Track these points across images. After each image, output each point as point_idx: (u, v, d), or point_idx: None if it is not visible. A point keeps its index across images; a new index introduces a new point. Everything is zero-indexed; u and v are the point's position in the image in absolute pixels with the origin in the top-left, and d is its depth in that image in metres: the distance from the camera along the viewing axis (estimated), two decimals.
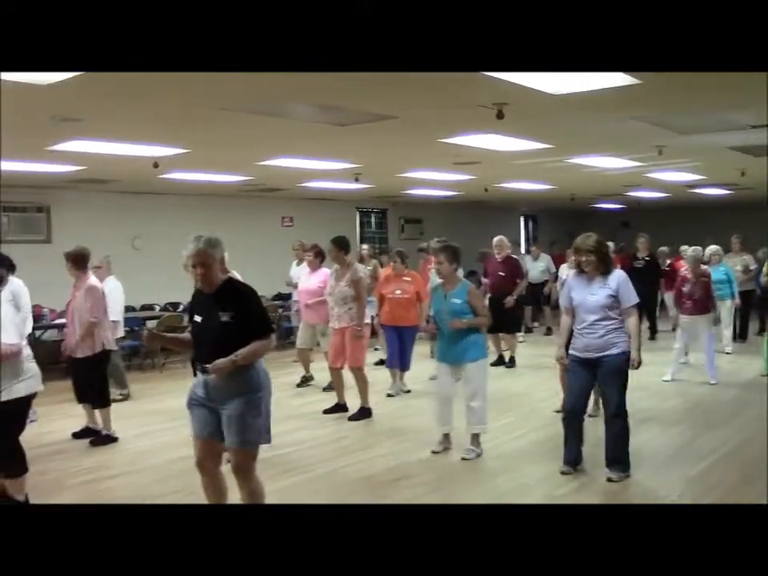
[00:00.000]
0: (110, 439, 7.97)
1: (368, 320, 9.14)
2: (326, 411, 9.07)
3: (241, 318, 4.72)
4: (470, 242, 15.11)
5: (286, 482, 6.54)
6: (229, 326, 4.70)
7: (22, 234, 13.11)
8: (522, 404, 9.37)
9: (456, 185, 15.06)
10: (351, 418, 8.77)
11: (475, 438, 7.17)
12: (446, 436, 7.36)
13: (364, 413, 8.84)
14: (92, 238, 11.96)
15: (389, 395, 9.92)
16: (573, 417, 6.53)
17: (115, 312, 9.71)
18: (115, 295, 9.84)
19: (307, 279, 10.55)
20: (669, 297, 15.12)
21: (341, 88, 6.24)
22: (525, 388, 10.42)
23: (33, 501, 5.85)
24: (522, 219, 25.35)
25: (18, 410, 5.69)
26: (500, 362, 11.95)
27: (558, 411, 8.36)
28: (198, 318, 4.91)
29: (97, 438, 7.98)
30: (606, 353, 6.25)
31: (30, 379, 5.72)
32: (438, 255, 7.29)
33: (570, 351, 6.54)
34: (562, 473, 6.48)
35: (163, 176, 11.59)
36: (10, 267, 8.64)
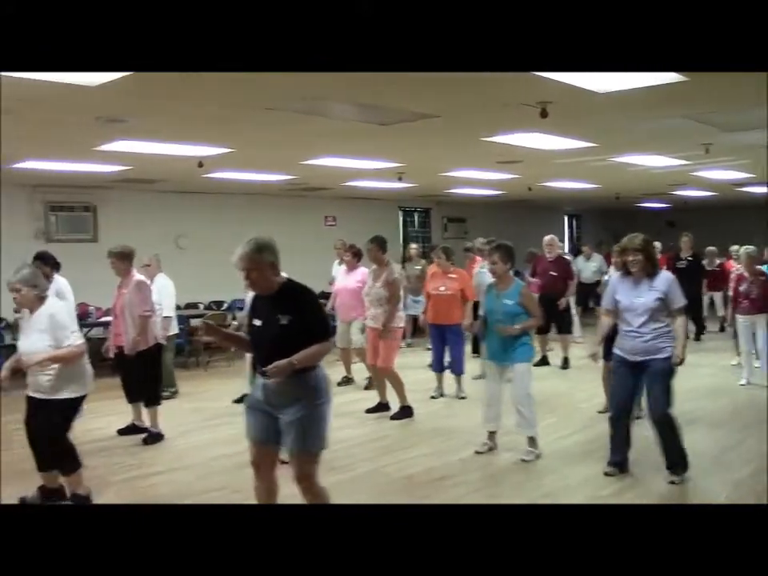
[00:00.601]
0: (160, 437, 8.04)
1: (402, 323, 9.10)
2: (369, 410, 9.05)
3: (300, 321, 4.62)
4: (513, 242, 15.05)
5: (327, 481, 6.54)
6: (287, 329, 4.61)
7: (70, 233, 13.27)
8: (564, 404, 9.30)
9: (499, 184, 14.99)
10: (393, 417, 8.75)
11: (531, 440, 7.11)
12: (492, 435, 7.31)
13: (405, 411, 8.81)
14: (137, 237, 12.07)
15: (432, 397, 9.82)
16: (619, 419, 6.44)
17: (168, 308, 9.86)
18: (166, 291, 9.94)
19: (344, 278, 10.59)
20: (717, 297, 15.03)
21: (385, 88, 6.23)
22: (567, 388, 10.34)
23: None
24: (565, 219, 25.17)
25: (73, 409, 5.79)
26: (543, 362, 11.80)
27: (600, 412, 8.31)
28: (257, 322, 4.83)
29: (148, 436, 8.04)
30: (652, 357, 6.15)
31: (84, 379, 5.83)
32: (491, 255, 7.19)
33: (616, 351, 6.44)
34: (606, 474, 6.43)
35: (207, 175, 11.66)
36: (55, 266, 8.77)
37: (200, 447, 7.75)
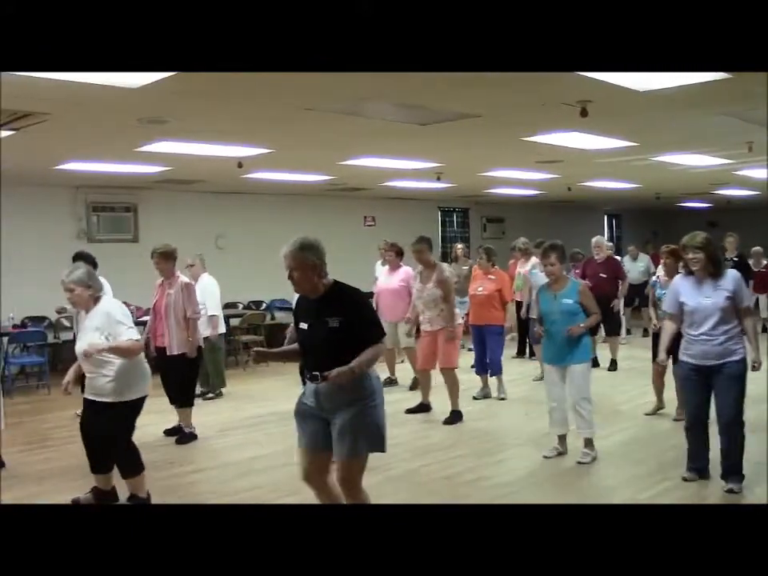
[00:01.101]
0: (194, 437, 8.07)
1: (460, 320, 8.98)
2: (409, 411, 8.99)
3: (351, 323, 4.49)
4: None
5: (366, 482, 6.56)
6: (338, 331, 4.47)
7: (111, 233, 13.40)
8: (605, 405, 9.19)
9: (538, 183, 14.94)
10: (446, 422, 8.54)
11: (588, 441, 7.00)
12: (562, 439, 7.18)
13: (456, 416, 8.64)
14: (177, 237, 12.16)
15: (474, 398, 9.70)
16: (695, 427, 6.19)
17: (213, 307, 9.92)
18: (211, 291, 9.97)
19: (387, 278, 10.53)
20: (762, 299, 14.82)
21: (426, 88, 6.23)
22: (609, 389, 10.26)
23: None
24: (605, 218, 24.99)
25: (135, 411, 5.77)
26: (593, 364, 11.65)
27: (648, 414, 8.32)
28: (303, 325, 4.69)
29: (182, 436, 8.07)
30: (725, 360, 5.87)
31: (145, 380, 5.84)
32: (548, 255, 6.94)
33: (684, 358, 6.12)
34: (685, 479, 6.20)
35: (247, 176, 11.72)
36: (93, 266, 8.81)
37: (239, 446, 7.79)
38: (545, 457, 7.07)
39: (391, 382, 10.70)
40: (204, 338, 9.43)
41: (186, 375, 8.07)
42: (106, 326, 5.57)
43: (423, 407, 9.02)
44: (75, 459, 7.04)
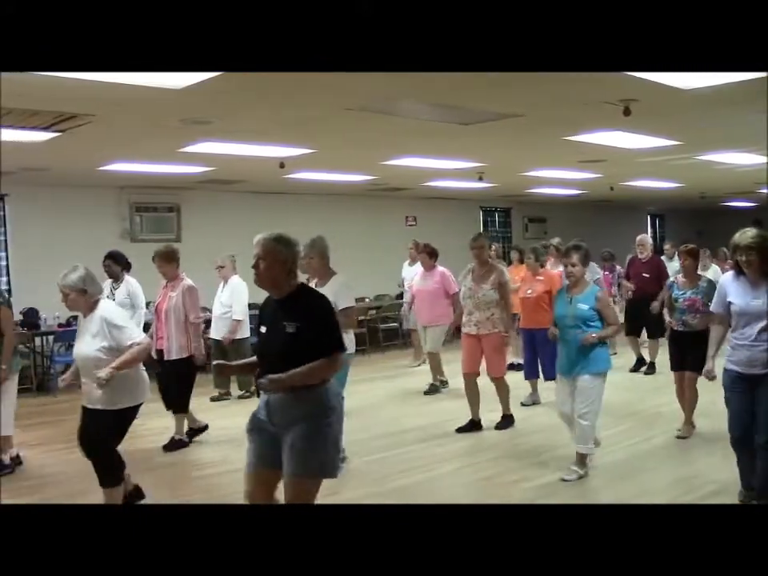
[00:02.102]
0: (182, 444, 7.77)
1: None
2: (460, 429, 8.19)
3: (308, 330, 4.11)
4: (594, 242, 14.87)
5: (407, 482, 6.57)
6: (294, 338, 4.10)
7: (154, 233, 13.49)
8: (640, 409, 9.12)
9: (581, 183, 14.86)
10: (497, 427, 8.20)
11: (581, 457, 6.50)
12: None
13: (508, 421, 8.30)
14: (218, 237, 12.29)
15: (522, 404, 9.32)
16: (743, 444, 5.50)
17: (239, 312, 9.80)
18: (239, 294, 9.83)
19: (423, 280, 10.31)
20: None
21: (468, 88, 6.22)
22: (645, 393, 10.15)
23: (160, 492, 6.05)
24: (648, 218, 24.79)
25: (126, 420, 5.50)
26: (639, 366, 11.51)
27: (680, 437, 7.66)
28: (262, 329, 4.38)
29: (170, 443, 7.77)
30: None
31: (140, 388, 5.52)
32: (570, 255, 6.49)
33: (728, 366, 5.51)
34: (741, 501, 5.62)
35: (289, 176, 11.78)
36: (126, 266, 8.87)
37: None
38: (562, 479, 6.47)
39: (435, 388, 10.46)
40: (227, 341, 9.48)
41: (183, 381, 7.75)
42: (103, 331, 5.32)
43: (474, 425, 8.26)
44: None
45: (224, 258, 9.96)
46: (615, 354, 12.94)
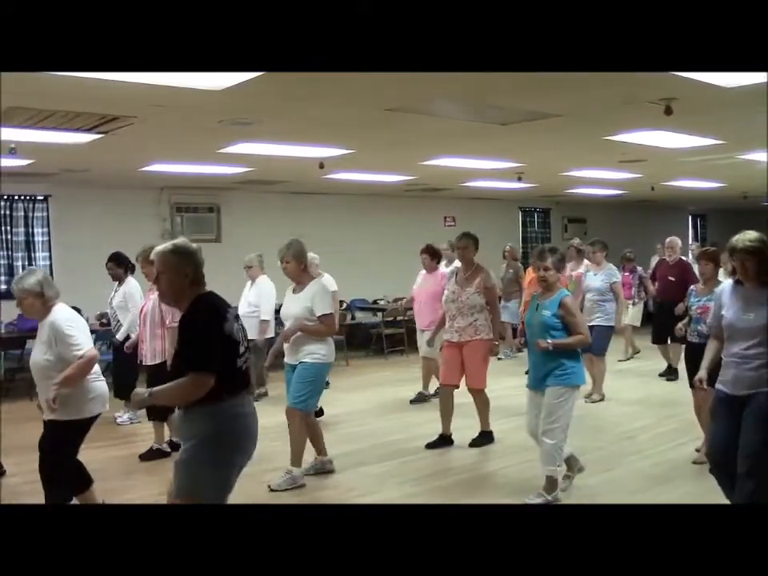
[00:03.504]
0: (162, 454, 7.49)
1: (488, 334, 7.61)
2: (429, 446, 7.69)
3: (179, 342, 3.96)
4: (635, 243, 14.78)
5: (446, 482, 6.58)
6: (175, 354, 4.01)
7: (194, 233, 13.56)
8: (683, 412, 9.00)
9: (621, 183, 14.74)
10: (472, 444, 7.68)
11: (548, 480, 5.94)
12: (565, 478, 6.26)
13: (485, 437, 7.78)
14: (258, 237, 12.36)
15: None
16: (722, 470, 4.98)
17: (266, 312, 9.75)
18: (266, 294, 9.80)
19: (423, 281, 9.92)
20: None
21: (507, 88, 6.20)
22: (685, 395, 10.01)
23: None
24: (689, 218, 24.54)
25: (80, 430, 5.27)
26: (669, 372, 11.35)
27: (696, 462, 7.03)
28: None
29: (148, 452, 7.58)
30: (756, 390, 4.72)
31: (87, 401, 5.26)
32: (545, 259, 5.97)
33: (717, 385, 4.99)
34: None
35: (328, 176, 11.81)
36: (129, 268, 8.85)
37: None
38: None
39: (424, 397, 10.04)
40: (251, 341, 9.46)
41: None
42: (49, 341, 5.10)
43: (444, 440, 7.76)
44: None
45: (251, 258, 9.94)
46: (632, 358, 12.90)
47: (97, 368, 5.37)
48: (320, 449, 6.87)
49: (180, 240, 4.16)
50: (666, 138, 9.02)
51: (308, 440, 6.70)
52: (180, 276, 4.00)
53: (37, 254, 12.36)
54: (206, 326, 3.91)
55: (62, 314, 5.20)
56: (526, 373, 6.37)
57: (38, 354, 5.17)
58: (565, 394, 5.81)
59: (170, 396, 3.98)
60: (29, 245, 12.29)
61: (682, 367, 10.78)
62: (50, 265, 12.32)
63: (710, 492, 5.54)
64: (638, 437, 7.81)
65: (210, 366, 3.83)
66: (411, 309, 10.84)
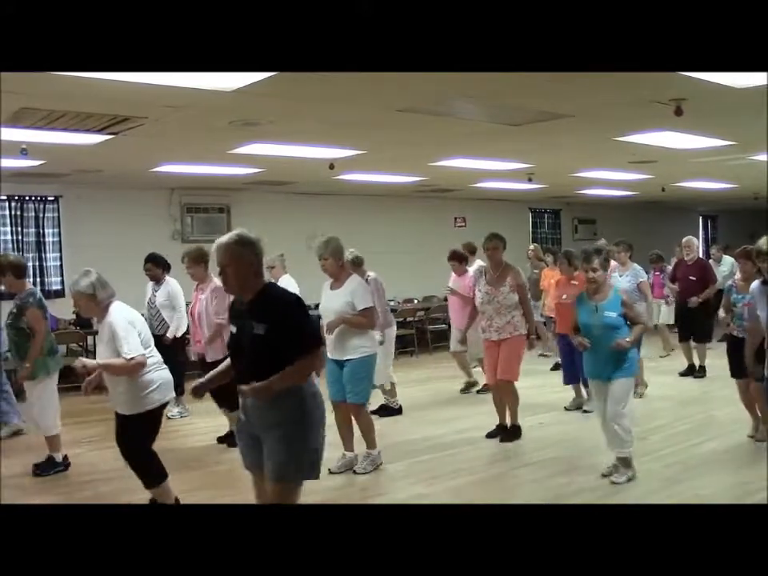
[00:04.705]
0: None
1: (524, 329, 7.90)
2: (489, 435, 8.02)
3: (277, 330, 3.98)
4: (645, 243, 14.73)
5: (456, 483, 6.57)
6: (263, 339, 3.99)
7: (205, 233, 13.58)
8: (698, 411, 9.00)
9: (631, 184, 14.73)
10: (502, 439, 7.89)
11: (624, 461, 6.43)
12: (623, 461, 6.55)
13: (515, 431, 8.01)
14: (268, 237, 12.24)
15: (566, 408, 9.29)
16: None
17: None
18: None
19: (453, 284, 10.22)
20: None
21: (518, 89, 6.20)
22: (701, 394, 10.01)
23: (208, 489, 6.14)
24: (700, 219, 24.48)
25: (148, 422, 5.48)
26: (690, 371, 11.27)
27: (751, 437, 7.59)
28: (233, 329, 4.29)
29: (225, 435, 7.73)
30: None
31: (160, 388, 5.47)
32: (591, 260, 6.32)
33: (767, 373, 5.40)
34: None
35: (338, 177, 11.82)
36: (166, 267, 8.94)
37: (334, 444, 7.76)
38: (603, 475, 6.50)
39: (470, 385, 10.59)
40: None
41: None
42: (109, 340, 5.31)
43: (501, 429, 8.08)
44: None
45: (273, 258, 9.94)
46: (668, 355, 12.85)
47: (158, 357, 5.58)
48: (370, 441, 7.05)
49: (240, 230, 4.36)
50: (676, 139, 9.02)
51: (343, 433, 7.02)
52: (246, 266, 4.15)
53: (48, 255, 12.38)
54: (305, 309, 4.19)
55: (118, 315, 5.38)
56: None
57: (101, 353, 5.41)
58: (631, 383, 6.39)
59: (294, 378, 4.04)
60: (40, 245, 12.30)
61: (708, 364, 11.05)
62: (61, 265, 12.37)
63: (721, 492, 5.56)
64: (651, 437, 7.78)
65: (318, 342, 4.21)
66: (428, 309, 10.85)
